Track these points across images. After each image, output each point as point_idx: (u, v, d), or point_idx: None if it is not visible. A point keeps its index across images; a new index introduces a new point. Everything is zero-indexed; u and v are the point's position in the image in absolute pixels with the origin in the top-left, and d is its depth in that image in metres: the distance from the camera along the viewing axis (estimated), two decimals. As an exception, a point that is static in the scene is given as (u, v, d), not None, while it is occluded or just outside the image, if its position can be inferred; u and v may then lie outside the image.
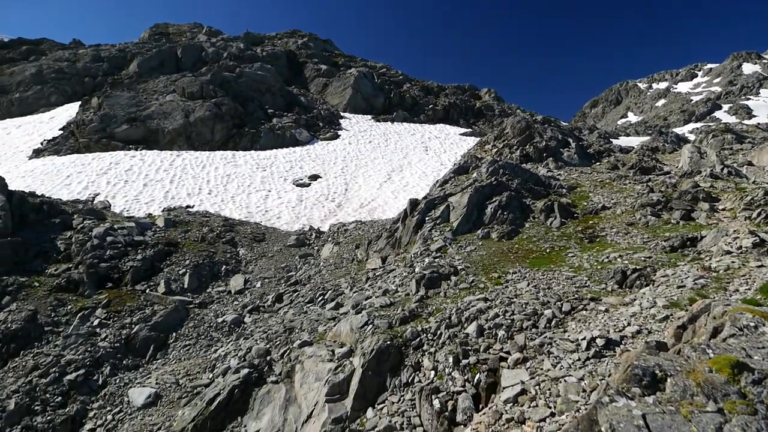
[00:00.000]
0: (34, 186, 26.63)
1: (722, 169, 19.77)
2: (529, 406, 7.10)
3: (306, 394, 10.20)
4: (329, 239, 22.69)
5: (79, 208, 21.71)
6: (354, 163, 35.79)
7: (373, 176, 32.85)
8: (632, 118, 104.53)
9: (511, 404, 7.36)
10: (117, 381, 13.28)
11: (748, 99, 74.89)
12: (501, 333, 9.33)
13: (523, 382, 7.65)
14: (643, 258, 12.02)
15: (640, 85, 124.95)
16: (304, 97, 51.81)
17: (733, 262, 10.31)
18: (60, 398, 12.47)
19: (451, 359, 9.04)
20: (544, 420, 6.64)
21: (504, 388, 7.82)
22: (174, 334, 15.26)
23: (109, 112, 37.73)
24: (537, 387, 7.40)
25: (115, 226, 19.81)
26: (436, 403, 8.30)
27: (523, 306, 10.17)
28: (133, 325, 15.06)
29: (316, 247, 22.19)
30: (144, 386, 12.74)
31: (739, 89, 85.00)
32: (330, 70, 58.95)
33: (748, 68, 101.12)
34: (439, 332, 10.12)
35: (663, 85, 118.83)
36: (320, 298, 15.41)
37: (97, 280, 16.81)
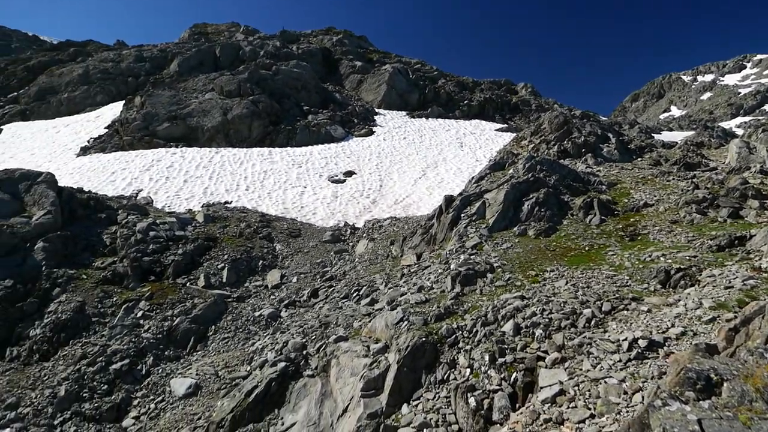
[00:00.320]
0: (82, 182, 27.71)
1: (773, 165, 18.88)
2: (568, 407, 6.97)
3: (341, 389, 10.30)
4: (364, 235, 22.81)
5: (124, 203, 22.47)
6: (388, 159, 35.81)
7: (407, 172, 32.80)
8: (675, 112, 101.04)
9: (549, 404, 7.25)
10: (159, 371, 13.72)
11: (802, 91, 71.26)
12: (538, 332, 9.19)
13: (561, 383, 7.51)
14: (687, 257, 11.60)
15: (684, 77, 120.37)
16: (339, 94, 52.11)
17: (785, 262, 9.85)
18: (106, 386, 12.98)
19: (487, 357, 8.97)
20: (583, 421, 6.51)
21: (542, 387, 7.71)
22: (213, 326, 15.65)
23: (151, 111, 38.87)
24: (576, 388, 7.26)
25: (158, 222, 20.43)
26: (472, 401, 8.25)
27: (562, 305, 9.98)
28: (174, 318, 15.52)
29: (351, 243, 22.35)
30: (185, 377, 13.13)
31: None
32: (365, 67, 59.05)
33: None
34: (474, 330, 10.04)
35: (709, 77, 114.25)
36: (355, 294, 15.51)
37: (140, 274, 17.39)
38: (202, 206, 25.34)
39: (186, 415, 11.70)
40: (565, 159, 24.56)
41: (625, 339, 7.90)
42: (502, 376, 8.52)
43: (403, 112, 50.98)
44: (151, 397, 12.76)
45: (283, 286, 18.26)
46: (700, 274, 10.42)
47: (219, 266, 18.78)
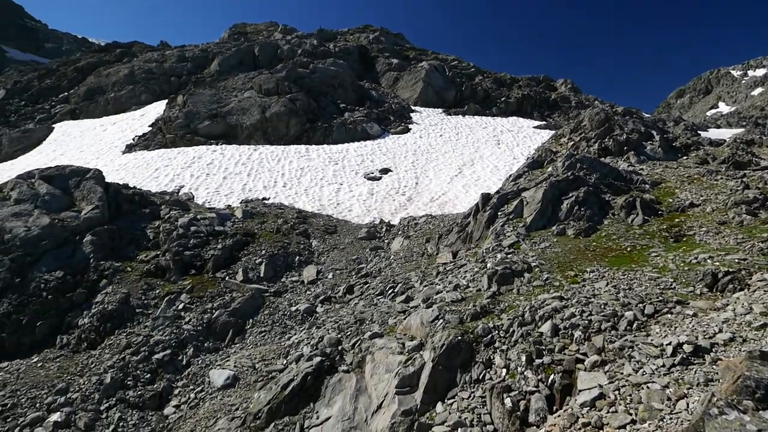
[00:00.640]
0: (127, 178, 28.71)
1: (832, 164, 17.89)
2: (608, 412, 6.80)
3: (376, 385, 10.35)
4: (399, 233, 22.82)
5: (166, 199, 23.17)
6: (424, 156, 35.69)
7: (443, 170, 32.61)
8: (723, 108, 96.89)
9: (588, 408, 7.09)
10: (199, 362, 14.12)
11: None
12: (577, 334, 9.00)
13: (601, 386, 7.34)
14: (736, 260, 11.11)
15: (733, 72, 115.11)
16: (376, 92, 52.22)
17: (844, 266, 9.33)
18: (149, 375, 13.44)
19: (524, 358, 8.84)
20: (623, 427, 6.34)
21: (580, 390, 7.55)
22: (251, 320, 15.98)
23: (193, 109, 39.90)
24: (617, 392, 7.07)
25: (198, 217, 20.99)
26: (508, 401, 8.15)
27: (602, 306, 9.74)
28: (213, 311, 15.93)
29: (386, 241, 22.40)
30: (223, 368, 13.45)
31: None
32: (401, 64, 58.98)
33: None
34: (511, 330, 9.91)
35: (760, 72, 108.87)
36: (390, 291, 15.54)
37: (181, 267, 17.90)
38: (241, 202, 25.88)
39: (224, 405, 11.99)
40: (606, 157, 23.90)
41: (669, 343, 7.64)
42: (539, 377, 8.39)
43: (440, 110, 50.68)
44: (191, 387, 13.14)
45: (318, 282, 18.47)
46: (750, 278, 9.97)
47: (257, 261, 19.14)
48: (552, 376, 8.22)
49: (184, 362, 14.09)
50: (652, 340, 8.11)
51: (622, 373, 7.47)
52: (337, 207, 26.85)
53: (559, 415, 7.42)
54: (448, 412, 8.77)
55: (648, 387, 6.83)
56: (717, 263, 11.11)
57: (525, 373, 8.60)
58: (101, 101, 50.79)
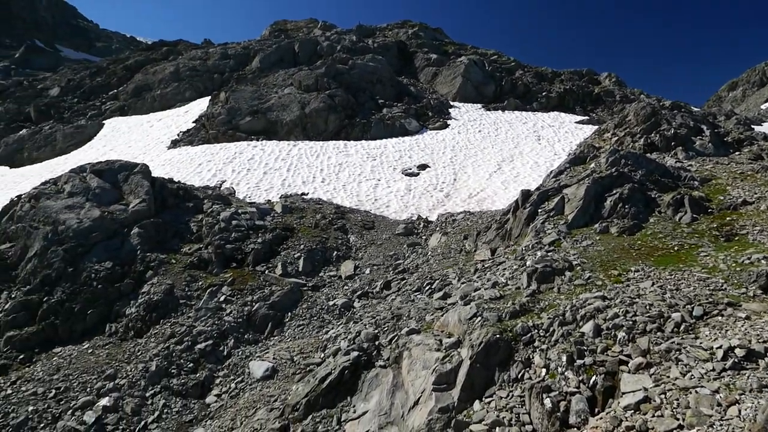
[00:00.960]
0: (172, 173, 29.62)
1: None
2: (653, 416, 6.59)
3: (413, 381, 10.35)
4: (437, 229, 22.71)
5: (209, 193, 23.79)
6: (463, 152, 35.33)
7: (482, 166, 32.22)
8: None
9: (632, 411, 6.88)
10: (239, 353, 14.48)
11: None
12: (621, 335, 8.73)
13: (646, 389, 7.11)
14: (794, 261, 10.56)
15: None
16: (414, 87, 52.02)
17: None
18: (192, 364, 13.88)
19: (564, 358, 8.65)
20: (670, 432, 6.14)
21: (624, 393, 7.33)
22: (289, 313, 16.27)
23: (235, 106, 40.78)
24: (663, 396, 6.83)
25: (239, 211, 21.46)
26: (548, 402, 8.00)
27: (647, 307, 9.41)
28: (253, 303, 16.29)
29: (423, 237, 22.34)
30: (263, 360, 13.75)
31: None
32: (440, 59, 58.49)
33: None
34: (551, 329, 9.71)
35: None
36: (428, 287, 15.49)
37: (223, 260, 18.37)
38: (280, 197, 26.30)
39: (263, 396, 12.26)
40: (653, 153, 23.07)
41: (720, 347, 7.33)
42: (580, 378, 8.19)
43: (479, 105, 50.00)
44: (232, 377, 13.50)
45: (356, 277, 18.60)
46: (809, 280, 9.46)
47: (295, 255, 19.43)
48: (594, 378, 8.02)
49: (225, 353, 14.48)
50: (701, 343, 7.80)
51: (668, 377, 7.22)
52: (374, 203, 26.94)
53: (601, 418, 7.23)
54: (486, 411, 8.68)
55: (696, 391, 6.57)
56: (772, 264, 10.57)
57: (565, 373, 8.42)
58: (148, 98, 52.52)
